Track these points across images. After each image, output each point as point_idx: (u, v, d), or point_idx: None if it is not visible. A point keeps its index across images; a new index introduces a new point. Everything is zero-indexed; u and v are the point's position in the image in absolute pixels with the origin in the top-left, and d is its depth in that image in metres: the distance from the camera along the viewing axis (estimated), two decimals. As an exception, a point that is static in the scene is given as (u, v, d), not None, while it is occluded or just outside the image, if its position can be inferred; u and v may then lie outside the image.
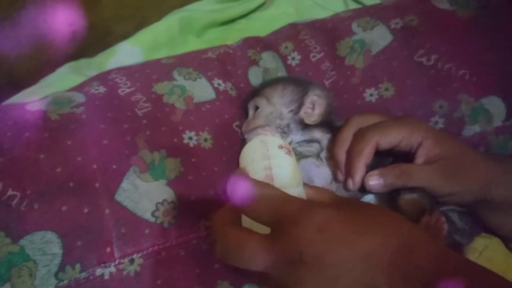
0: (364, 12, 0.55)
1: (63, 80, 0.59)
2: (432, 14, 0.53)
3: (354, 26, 0.54)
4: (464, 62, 0.50)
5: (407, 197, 0.39)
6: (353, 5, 0.71)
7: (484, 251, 0.51)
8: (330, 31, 0.55)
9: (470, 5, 0.53)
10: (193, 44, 0.69)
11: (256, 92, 0.47)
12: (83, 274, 0.34)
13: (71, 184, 0.36)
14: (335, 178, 0.42)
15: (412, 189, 0.40)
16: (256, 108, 0.46)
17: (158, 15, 0.70)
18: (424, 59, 0.50)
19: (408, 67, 0.50)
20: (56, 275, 0.33)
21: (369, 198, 0.42)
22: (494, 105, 0.49)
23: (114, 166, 0.38)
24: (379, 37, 0.52)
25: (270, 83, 0.48)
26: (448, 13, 0.53)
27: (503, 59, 0.50)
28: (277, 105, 0.45)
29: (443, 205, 0.45)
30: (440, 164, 0.38)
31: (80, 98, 0.44)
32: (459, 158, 0.39)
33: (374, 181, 0.38)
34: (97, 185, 0.36)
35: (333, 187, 0.43)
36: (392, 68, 0.50)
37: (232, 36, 0.70)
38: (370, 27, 0.53)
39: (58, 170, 0.36)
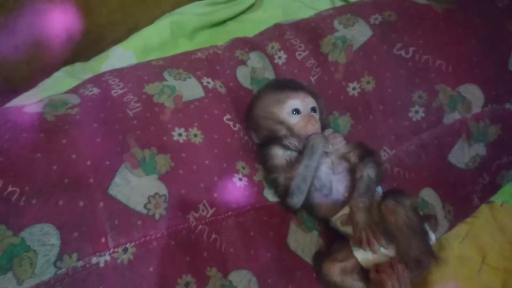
0: (345, 10, 0.58)
1: (59, 84, 0.61)
2: (409, 8, 0.55)
3: (336, 23, 0.56)
4: (440, 53, 0.52)
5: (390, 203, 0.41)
6: (340, 4, 0.73)
7: (467, 237, 0.53)
8: (313, 30, 0.57)
9: (445, -2, 0.56)
10: (184, 47, 0.71)
11: (315, 93, 0.49)
12: (80, 263, 0.36)
13: (66, 180, 0.38)
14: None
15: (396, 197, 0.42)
16: (314, 108, 0.47)
17: (150, 19, 0.73)
18: (402, 52, 0.52)
19: (387, 61, 0.52)
20: (54, 263, 0.35)
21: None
22: (471, 92, 0.52)
23: (107, 163, 0.40)
24: (359, 33, 0.54)
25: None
26: (424, 7, 0.55)
27: (476, 48, 0.52)
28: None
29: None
30: None
31: (74, 99, 0.46)
32: None
33: None
34: (91, 180, 0.39)
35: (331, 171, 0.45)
36: (372, 62, 0.53)
37: (222, 37, 0.72)
38: (351, 24, 0.55)
39: (54, 167, 0.38)
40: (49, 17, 0.61)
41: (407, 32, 0.52)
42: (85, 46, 0.67)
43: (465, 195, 0.52)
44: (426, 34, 0.53)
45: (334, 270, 0.44)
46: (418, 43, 0.52)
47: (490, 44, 0.54)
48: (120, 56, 0.67)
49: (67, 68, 0.65)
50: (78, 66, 0.66)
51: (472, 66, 0.51)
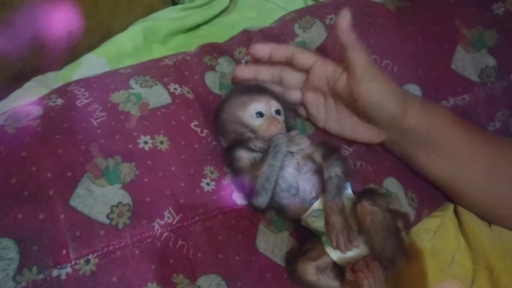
0: (305, 12, 0.59)
1: (31, 94, 0.60)
2: (364, 7, 0.56)
3: (296, 28, 0.57)
4: (387, 53, 0.53)
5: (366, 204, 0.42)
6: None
7: (438, 230, 0.54)
8: (277, 37, 0.58)
9: (399, -3, 0.57)
10: (158, 52, 0.71)
11: (281, 96, 0.50)
12: (40, 276, 0.36)
13: (26, 193, 0.38)
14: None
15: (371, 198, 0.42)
16: (278, 111, 0.48)
17: (123, 26, 0.72)
18: None
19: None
20: (14, 278, 0.35)
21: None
22: (413, 92, 0.53)
23: (69, 174, 0.40)
24: (316, 35, 0.55)
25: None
26: (378, 6, 0.56)
27: (421, 49, 0.54)
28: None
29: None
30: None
31: (38, 111, 0.46)
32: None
33: None
34: (51, 192, 0.39)
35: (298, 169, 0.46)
36: None
37: (196, 42, 0.72)
38: (309, 26, 0.56)
39: (13, 180, 0.38)
40: (21, 26, 0.61)
41: (359, 31, 0.53)
42: (57, 54, 0.67)
43: (426, 182, 0.54)
44: (377, 33, 0.54)
45: (309, 269, 0.44)
46: (368, 42, 0.53)
47: (436, 42, 0.55)
48: (92, 63, 0.67)
49: (39, 78, 0.64)
50: (49, 75, 0.65)
51: (416, 65, 0.52)
